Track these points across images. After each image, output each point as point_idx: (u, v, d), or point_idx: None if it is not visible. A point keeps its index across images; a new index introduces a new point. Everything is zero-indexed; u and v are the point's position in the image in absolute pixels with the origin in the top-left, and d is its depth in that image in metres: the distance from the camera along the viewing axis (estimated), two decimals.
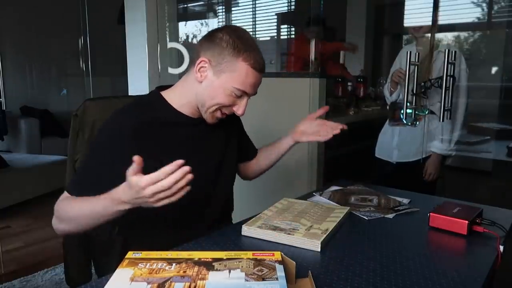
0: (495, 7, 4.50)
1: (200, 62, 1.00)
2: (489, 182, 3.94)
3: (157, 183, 0.76)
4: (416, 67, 1.93)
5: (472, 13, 4.55)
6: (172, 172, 0.76)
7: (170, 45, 2.50)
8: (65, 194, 0.99)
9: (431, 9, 2.37)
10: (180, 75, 2.59)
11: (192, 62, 1.04)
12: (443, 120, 1.88)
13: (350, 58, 4.05)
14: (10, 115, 4.37)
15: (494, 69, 4.56)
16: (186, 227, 1.07)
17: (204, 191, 1.09)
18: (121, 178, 0.84)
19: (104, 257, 1.20)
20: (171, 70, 2.52)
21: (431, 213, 1.02)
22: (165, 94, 1.08)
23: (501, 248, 0.89)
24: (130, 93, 2.46)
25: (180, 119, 1.06)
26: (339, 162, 2.45)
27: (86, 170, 1.01)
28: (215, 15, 5.33)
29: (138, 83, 2.45)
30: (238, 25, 5.56)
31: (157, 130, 1.02)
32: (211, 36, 1.01)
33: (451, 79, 1.87)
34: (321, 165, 2.16)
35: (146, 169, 0.94)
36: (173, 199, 0.78)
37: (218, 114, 1.05)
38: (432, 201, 1.20)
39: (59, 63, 5.09)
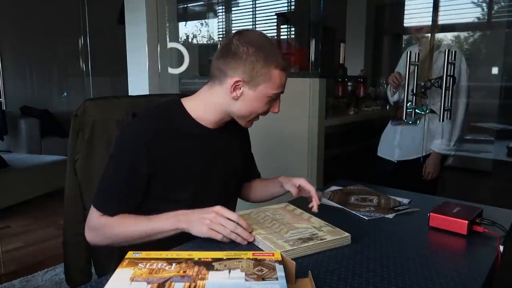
0: (495, 7, 4.49)
1: (235, 83, 1.00)
2: (489, 182, 3.94)
3: (226, 218, 0.90)
4: (417, 67, 1.93)
5: (472, 13, 4.55)
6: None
7: (170, 45, 2.50)
8: (98, 211, 1.01)
9: (431, 9, 2.37)
10: (181, 75, 2.60)
11: (216, 78, 1.03)
12: (443, 120, 1.88)
13: (350, 58, 4.06)
14: (10, 115, 4.37)
15: (494, 69, 4.55)
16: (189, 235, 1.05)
17: (218, 202, 1.04)
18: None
19: (104, 257, 1.20)
20: (171, 70, 2.52)
21: (431, 213, 1.02)
22: (186, 103, 1.09)
23: (501, 248, 0.89)
24: (130, 93, 2.46)
25: (197, 130, 1.07)
26: (339, 162, 2.45)
27: (114, 182, 1.02)
28: (215, 15, 5.34)
29: (138, 83, 2.45)
30: (238, 25, 5.56)
31: (173, 138, 1.03)
32: (234, 54, 0.99)
33: (451, 79, 1.87)
34: (321, 165, 2.16)
35: (156, 176, 1.01)
36: (218, 237, 0.90)
37: (256, 119, 1.09)
38: (432, 201, 1.20)
39: (59, 63, 5.10)
